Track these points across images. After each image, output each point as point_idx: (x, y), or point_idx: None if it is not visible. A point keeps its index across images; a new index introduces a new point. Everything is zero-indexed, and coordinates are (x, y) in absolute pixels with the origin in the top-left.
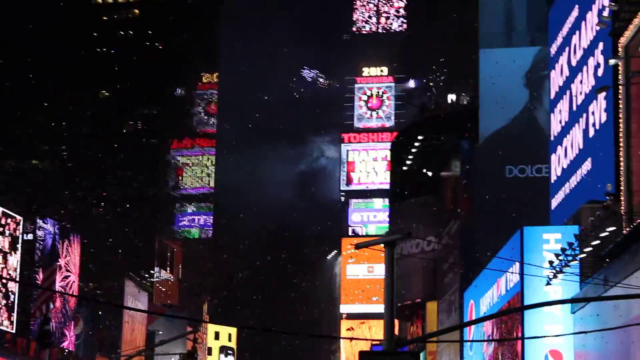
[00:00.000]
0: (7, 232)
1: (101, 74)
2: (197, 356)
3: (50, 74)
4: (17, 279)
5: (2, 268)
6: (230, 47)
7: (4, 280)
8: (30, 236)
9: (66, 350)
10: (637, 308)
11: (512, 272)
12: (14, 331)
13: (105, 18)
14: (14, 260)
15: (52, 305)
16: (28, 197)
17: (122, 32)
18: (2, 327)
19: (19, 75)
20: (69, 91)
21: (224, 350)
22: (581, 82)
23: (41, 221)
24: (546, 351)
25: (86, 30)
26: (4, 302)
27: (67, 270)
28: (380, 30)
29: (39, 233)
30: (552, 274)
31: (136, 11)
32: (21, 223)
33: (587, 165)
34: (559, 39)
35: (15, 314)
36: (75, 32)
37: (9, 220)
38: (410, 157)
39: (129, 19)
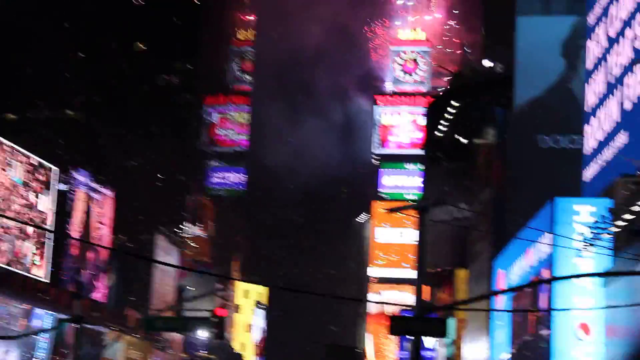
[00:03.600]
0: (40, 182)
1: (137, 27)
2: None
3: (85, 25)
4: (52, 229)
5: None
6: (266, 5)
7: (40, 230)
8: (63, 186)
9: (97, 302)
10: None
11: (542, 243)
12: (45, 280)
13: None
14: (44, 207)
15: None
16: (62, 148)
17: None
18: (35, 276)
19: (53, 26)
20: (104, 43)
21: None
22: (618, 53)
23: (75, 172)
24: (576, 324)
25: None
26: (37, 252)
27: (99, 222)
28: None
29: (73, 184)
30: (584, 246)
31: None
32: (57, 173)
33: (621, 139)
34: (597, 9)
35: (49, 264)
36: None
37: (43, 171)
38: (444, 122)
39: None
